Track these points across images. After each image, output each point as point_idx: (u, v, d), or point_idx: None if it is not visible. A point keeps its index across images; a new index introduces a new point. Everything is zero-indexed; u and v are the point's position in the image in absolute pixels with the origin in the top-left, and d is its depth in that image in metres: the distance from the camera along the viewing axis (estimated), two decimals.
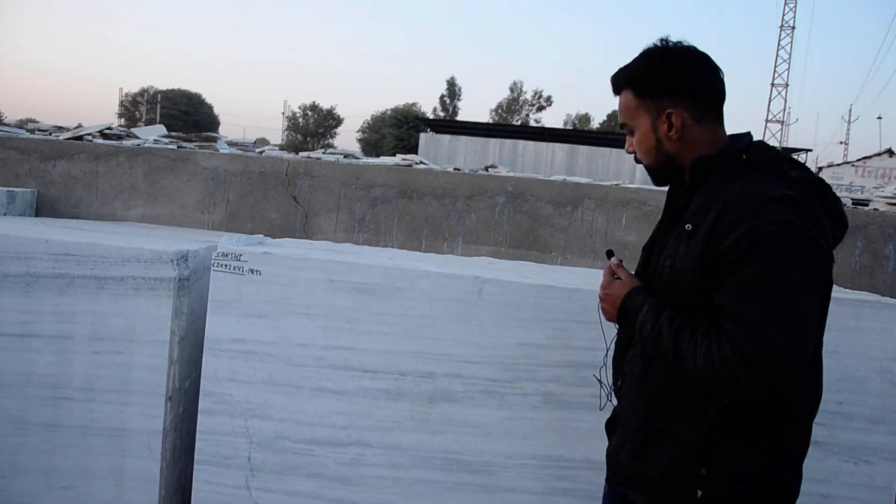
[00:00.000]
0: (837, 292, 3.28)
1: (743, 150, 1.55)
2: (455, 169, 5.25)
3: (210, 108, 70.70)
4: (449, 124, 41.31)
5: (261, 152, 5.15)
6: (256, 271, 2.71)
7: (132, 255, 2.90)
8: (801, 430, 1.63)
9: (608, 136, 37.81)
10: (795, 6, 31.42)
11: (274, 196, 4.35)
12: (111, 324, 2.92)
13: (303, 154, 4.99)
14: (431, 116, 60.91)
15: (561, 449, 2.65)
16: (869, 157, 30.37)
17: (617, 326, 1.80)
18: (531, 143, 34.14)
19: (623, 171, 33.08)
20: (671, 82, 1.58)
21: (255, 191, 4.35)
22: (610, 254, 1.77)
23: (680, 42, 1.61)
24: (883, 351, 2.82)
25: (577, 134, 36.54)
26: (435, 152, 35.28)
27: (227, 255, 2.71)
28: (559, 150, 33.68)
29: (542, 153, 33.89)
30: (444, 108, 66.47)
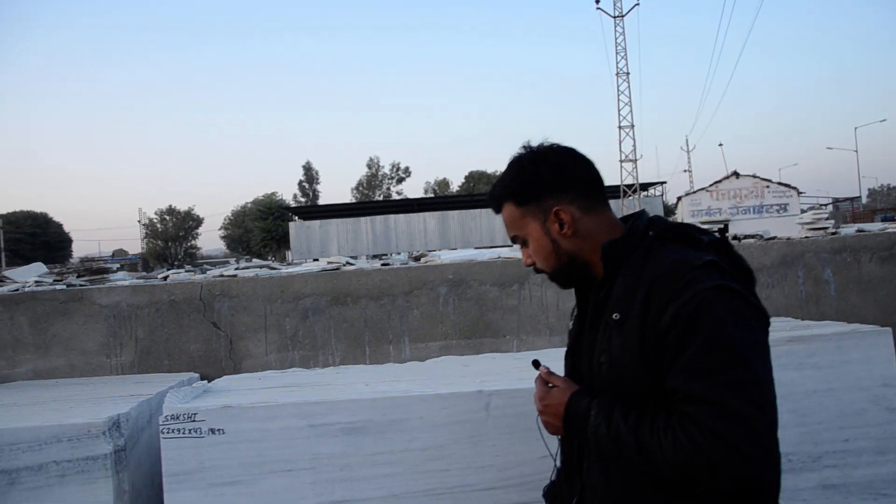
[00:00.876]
0: (814, 328, 3.25)
1: (647, 227, 1.49)
2: (383, 265, 4.92)
3: (59, 225, 66.02)
4: (316, 209, 40.95)
5: (165, 277, 4.58)
6: (219, 430, 2.23)
7: (51, 433, 2.32)
8: None
9: (474, 198, 38.99)
10: (626, 54, 34.25)
11: (190, 325, 3.81)
12: None
13: (213, 273, 4.47)
14: (293, 204, 60.08)
15: None
16: (719, 181, 33.34)
17: (560, 440, 1.66)
18: (402, 216, 34.44)
19: (496, 229, 34.13)
20: (548, 180, 1.53)
21: (168, 322, 3.79)
22: (537, 364, 1.63)
23: (542, 143, 1.58)
24: (872, 379, 2.79)
25: (445, 200, 37.27)
26: (307, 240, 34.70)
27: (177, 418, 2.22)
28: (430, 218, 34.19)
29: (414, 224, 34.27)
30: (305, 194, 65.96)
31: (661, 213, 35.60)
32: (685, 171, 45.63)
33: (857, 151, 45.85)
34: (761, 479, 1.34)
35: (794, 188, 32.67)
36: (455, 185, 71.25)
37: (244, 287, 3.81)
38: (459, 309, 3.97)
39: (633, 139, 33.23)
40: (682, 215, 32.29)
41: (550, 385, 1.55)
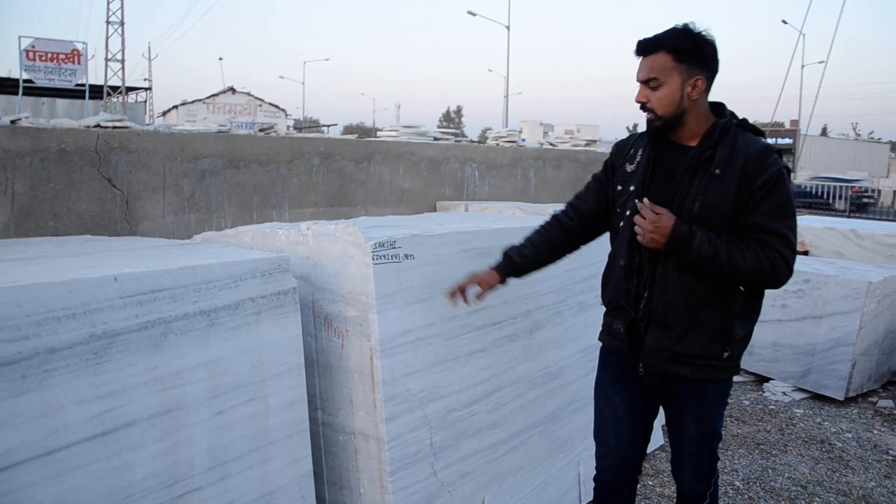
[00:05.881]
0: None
1: (733, 117, 2.01)
2: (257, 132, 4.44)
3: None
4: None
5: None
6: (410, 256, 2.41)
7: (246, 269, 2.09)
8: None
9: None
10: None
11: (82, 180, 3.05)
12: (235, 368, 2.07)
13: (103, 118, 3.26)
14: None
15: (590, 339, 3.34)
16: (217, 95, 32.80)
17: (627, 252, 2.05)
18: None
19: None
20: (707, 57, 1.93)
21: (55, 176, 2.96)
22: (640, 197, 2.00)
23: (707, 29, 1.95)
24: None
25: None
26: None
27: (383, 245, 2.31)
28: None
29: None
30: None
31: (147, 121, 33.80)
32: (145, 79, 36.92)
33: (303, 83, 51.48)
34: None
35: (283, 109, 35.09)
36: None
37: (145, 142, 3.25)
38: (327, 180, 4.20)
39: (123, 37, 30.47)
40: (180, 122, 31.38)
41: (657, 213, 1.92)
